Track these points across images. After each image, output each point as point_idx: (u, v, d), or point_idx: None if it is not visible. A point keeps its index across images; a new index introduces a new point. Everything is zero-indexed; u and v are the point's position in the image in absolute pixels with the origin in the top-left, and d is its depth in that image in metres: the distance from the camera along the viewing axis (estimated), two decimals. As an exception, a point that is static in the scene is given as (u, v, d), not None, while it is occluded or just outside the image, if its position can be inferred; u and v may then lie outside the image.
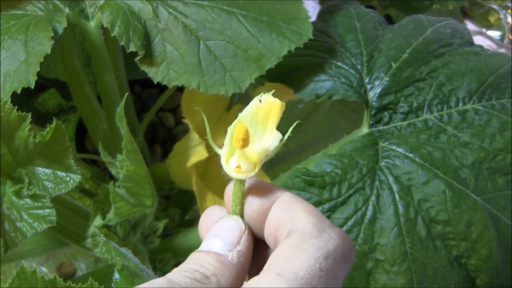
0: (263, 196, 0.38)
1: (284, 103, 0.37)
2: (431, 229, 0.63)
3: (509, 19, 1.49)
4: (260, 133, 0.38)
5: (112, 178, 0.75)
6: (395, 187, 0.64)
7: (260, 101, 0.37)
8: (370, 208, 0.63)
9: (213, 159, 0.82)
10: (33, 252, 0.80)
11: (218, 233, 0.37)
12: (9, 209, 0.59)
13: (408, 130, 0.69)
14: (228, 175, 0.38)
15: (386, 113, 0.71)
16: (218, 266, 0.34)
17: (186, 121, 0.81)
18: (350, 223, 0.63)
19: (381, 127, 0.71)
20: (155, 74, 0.68)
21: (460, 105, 0.70)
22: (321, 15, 0.85)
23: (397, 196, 0.64)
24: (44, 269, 0.89)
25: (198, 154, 0.78)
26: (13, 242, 0.58)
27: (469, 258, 0.63)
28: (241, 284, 0.34)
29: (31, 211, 0.59)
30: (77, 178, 0.61)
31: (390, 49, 0.75)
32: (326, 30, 0.80)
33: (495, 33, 1.51)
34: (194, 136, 0.80)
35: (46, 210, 0.59)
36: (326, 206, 0.64)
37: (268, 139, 0.37)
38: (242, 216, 0.38)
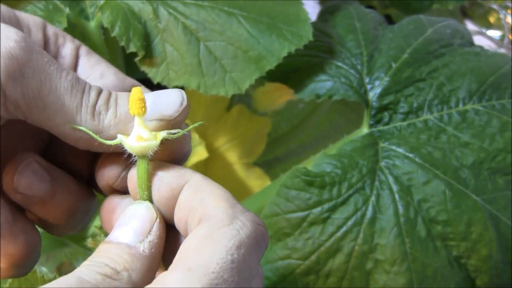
0: (172, 176, 0.35)
1: None
2: (431, 229, 0.63)
3: (509, 19, 1.49)
4: None
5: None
6: (395, 187, 0.64)
7: None
8: (370, 208, 0.64)
9: (213, 159, 0.82)
10: (33, 252, 0.80)
11: (128, 221, 0.34)
12: (10, 210, 0.59)
13: (408, 130, 0.69)
14: (130, 152, 0.35)
15: (386, 113, 0.71)
16: (129, 260, 0.32)
17: (186, 121, 0.80)
18: (350, 223, 0.63)
19: (381, 127, 0.71)
20: (155, 74, 0.68)
21: (460, 105, 0.70)
22: (321, 15, 0.85)
23: (397, 196, 0.64)
24: (44, 269, 0.89)
25: (198, 154, 0.78)
26: (13, 242, 0.58)
27: (469, 258, 0.63)
28: (154, 276, 0.32)
29: (31, 211, 0.59)
30: (77, 178, 0.61)
31: (390, 49, 0.75)
32: (326, 30, 0.80)
33: (495, 33, 1.50)
34: (194, 136, 0.80)
35: (46, 211, 0.59)
36: (326, 206, 0.64)
37: None
38: (151, 202, 0.35)
